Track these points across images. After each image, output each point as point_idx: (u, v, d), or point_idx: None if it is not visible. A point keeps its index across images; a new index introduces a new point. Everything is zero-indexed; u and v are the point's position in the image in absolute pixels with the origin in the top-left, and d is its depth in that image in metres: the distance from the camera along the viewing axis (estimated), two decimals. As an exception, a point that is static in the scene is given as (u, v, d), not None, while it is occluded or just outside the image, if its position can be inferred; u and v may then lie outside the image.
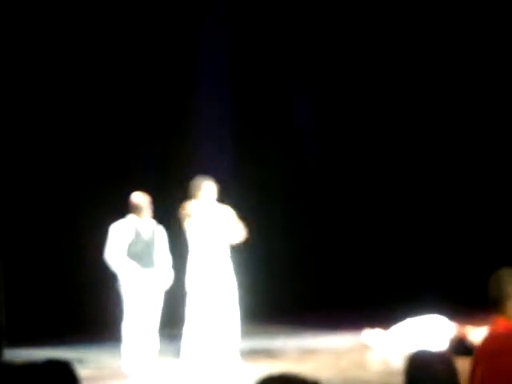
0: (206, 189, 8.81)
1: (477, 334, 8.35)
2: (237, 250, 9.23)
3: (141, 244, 9.02)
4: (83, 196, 11.29)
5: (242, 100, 12.46)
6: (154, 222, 9.20)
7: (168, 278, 9.04)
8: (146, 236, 9.08)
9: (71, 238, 11.20)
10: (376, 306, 11.68)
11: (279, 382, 1.91)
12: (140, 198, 9.07)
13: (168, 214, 9.33)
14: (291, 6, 12.58)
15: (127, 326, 8.88)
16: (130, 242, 8.98)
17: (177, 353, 9.65)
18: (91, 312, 10.59)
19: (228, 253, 8.91)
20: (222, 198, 9.07)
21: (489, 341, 4.10)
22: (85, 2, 11.45)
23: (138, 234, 9.03)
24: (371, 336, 9.96)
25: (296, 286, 12.62)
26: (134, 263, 8.91)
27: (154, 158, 11.85)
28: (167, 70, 11.97)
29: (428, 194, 13.15)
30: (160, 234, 9.17)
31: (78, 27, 11.36)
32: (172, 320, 10.21)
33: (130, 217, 9.06)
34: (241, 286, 9.07)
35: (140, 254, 8.99)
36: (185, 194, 9.02)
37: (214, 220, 8.81)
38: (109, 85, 11.65)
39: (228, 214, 8.91)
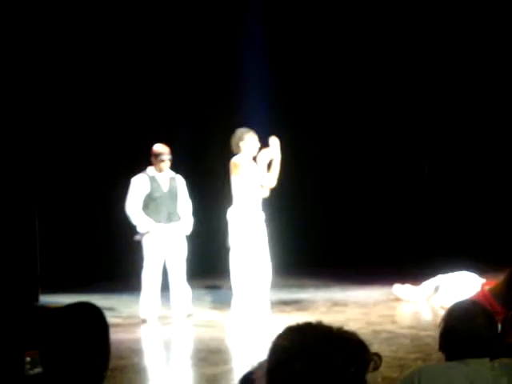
0: (249, 141, 8.74)
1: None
2: (270, 202, 9.27)
3: (160, 195, 9.10)
4: (119, 159, 11.50)
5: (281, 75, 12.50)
6: (173, 172, 9.28)
7: (189, 226, 9.17)
8: (165, 187, 9.15)
9: (103, 193, 11.40)
10: (407, 262, 11.68)
11: (306, 330, 1.90)
12: (161, 148, 9.13)
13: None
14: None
15: (146, 276, 9.04)
16: (150, 194, 9.07)
17: (214, 302, 9.78)
18: (122, 262, 10.72)
19: (261, 205, 8.89)
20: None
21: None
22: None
23: (157, 186, 9.11)
24: (401, 290, 9.96)
25: (328, 241, 12.65)
26: (152, 216, 9.01)
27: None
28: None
29: (462, 161, 13.04)
30: (179, 183, 9.26)
31: (120, 20, 11.73)
32: (207, 271, 10.38)
33: (150, 169, 9.15)
34: (272, 238, 9.12)
35: (160, 205, 9.08)
36: (227, 148, 8.99)
37: (255, 172, 8.76)
38: (151, 60, 11.87)
39: (264, 165, 8.85)
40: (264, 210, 8.99)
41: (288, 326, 1.93)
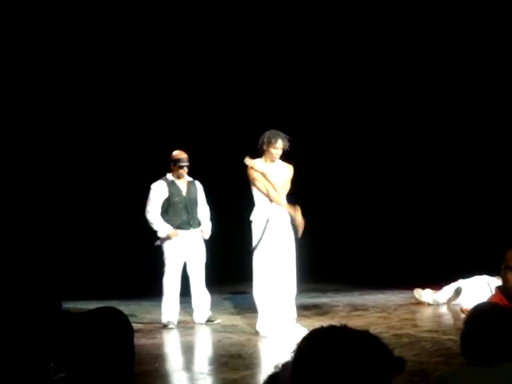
0: (273, 145, 8.47)
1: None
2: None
3: (179, 201, 9.14)
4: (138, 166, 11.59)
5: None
6: (191, 178, 9.31)
7: (208, 231, 9.22)
8: (184, 193, 9.19)
9: (123, 200, 11.48)
10: (427, 266, 11.63)
11: (330, 332, 1.90)
12: (179, 154, 9.17)
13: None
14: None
15: (166, 282, 9.07)
16: (169, 200, 9.09)
17: (234, 307, 9.76)
18: (142, 268, 10.76)
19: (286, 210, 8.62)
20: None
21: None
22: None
23: (176, 191, 9.14)
24: (422, 294, 9.92)
25: (348, 245, 12.63)
26: (171, 222, 9.04)
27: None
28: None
29: (479, 168, 12.96)
30: (198, 188, 9.31)
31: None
32: (229, 276, 10.37)
33: (169, 175, 9.18)
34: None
35: (179, 210, 9.12)
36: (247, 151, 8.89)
37: (278, 177, 8.54)
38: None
39: (289, 171, 8.65)
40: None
41: (313, 328, 1.93)
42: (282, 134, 8.55)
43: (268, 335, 8.28)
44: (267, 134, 8.56)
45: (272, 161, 8.55)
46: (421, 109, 12.85)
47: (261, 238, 8.45)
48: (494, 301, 4.88)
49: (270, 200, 8.50)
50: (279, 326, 8.38)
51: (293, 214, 8.53)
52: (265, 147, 8.52)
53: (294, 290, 8.52)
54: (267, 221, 8.45)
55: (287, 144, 8.51)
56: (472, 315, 3.32)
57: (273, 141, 8.47)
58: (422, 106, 12.85)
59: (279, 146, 8.47)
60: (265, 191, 8.51)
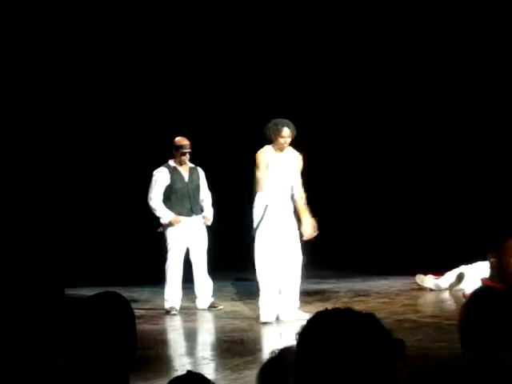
0: (279, 133, 8.35)
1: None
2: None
3: (182, 187, 9.14)
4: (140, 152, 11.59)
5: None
6: (193, 164, 9.32)
7: (210, 217, 9.23)
8: (186, 179, 9.20)
9: (125, 186, 11.50)
10: (429, 252, 11.63)
11: (335, 315, 1.90)
12: (182, 140, 9.16)
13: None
14: None
15: (169, 268, 9.08)
16: (171, 186, 9.10)
17: (237, 293, 9.79)
18: (144, 254, 10.77)
19: (290, 197, 8.55)
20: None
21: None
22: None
23: (178, 178, 9.15)
24: (424, 280, 9.93)
25: (349, 232, 12.62)
26: (174, 208, 9.05)
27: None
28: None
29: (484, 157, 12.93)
30: (200, 175, 9.33)
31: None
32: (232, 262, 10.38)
33: (171, 162, 9.18)
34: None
35: (182, 197, 9.14)
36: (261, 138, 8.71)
37: (285, 166, 8.46)
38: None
39: (298, 160, 8.55)
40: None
41: (317, 311, 1.94)
42: (287, 121, 8.45)
43: (267, 321, 8.28)
44: (273, 122, 8.45)
45: (281, 150, 8.46)
46: (423, 101, 12.83)
47: (258, 224, 8.39)
48: (485, 283, 4.83)
49: (264, 188, 8.40)
50: (279, 311, 8.37)
51: (305, 220, 8.43)
52: (272, 136, 8.43)
53: (299, 277, 8.49)
54: (266, 207, 8.40)
55: (295, 131, 8.43)
56: (472, 300, 3.20)
57: (279, 129, 8.37)
58: (421, 99, 12.82)
59: (286, 134, 8.37)
60: (259, 178, 8.42)
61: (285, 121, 8.45)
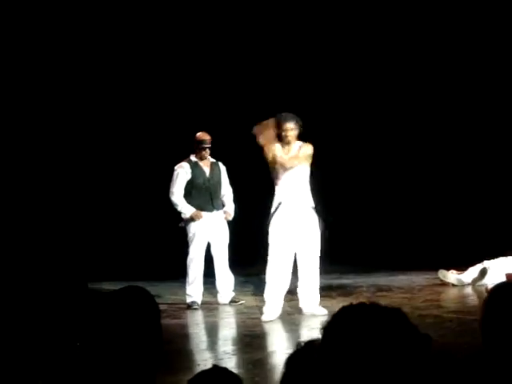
0: (283, 127, 8.26)
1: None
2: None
3: (203, 182, 9.15)
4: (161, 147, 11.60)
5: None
6: (214, 160, 9.32)
7: (231, 212, 9.24)
8: (207, 174, 9.21)
9: (146, 181, 11.54)
10: (452, 247, 11.57)
11: (361, 309, 1.89)
12: (203, 136, 9.16)
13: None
14: None
15: (190, 263, 9.09)
16: (192, 181, 9.10)
17: (257, 289, 9.79)
18: (165, 249, 10.80)
19: (308, 191, 8.41)
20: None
21: None
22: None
23: (199, 173, 9.15)
24: (446, 275, 9.87)
25: (372, 227, 12.59)
26: (195, 203, 9.06)
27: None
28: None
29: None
30: (221, 170, 9.33)
31: None
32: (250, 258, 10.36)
33: (192, 157, 9.18)
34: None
35: (203, 191, 9.15)
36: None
37: (296, 160, 8.32)
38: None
39: (304, 150, 8.38)
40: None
41: (342, 306, 1.93)
42: (288, 114, 8.35)
43: (268, 319, 8.14)
44: (276, 117, 8.37)
45: (287, 144, 8.36)
46: (427, 99, 12.76)
47: (269, 221, 8.30)
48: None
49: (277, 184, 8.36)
50: (301, 305, 8.33)
51: None
52: (277, 131, 8.34)
53: (317, 272, 8.37)
54: (278, 204, 8.30)
55: (299, 123, 8.32)
56: (492, 296, 3.00)
57: (279, 123, 8.30)
58: (432, 96, 12.75)
59: (288, 127, 8.26)
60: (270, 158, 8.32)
61: (284, 114, 8.34)
